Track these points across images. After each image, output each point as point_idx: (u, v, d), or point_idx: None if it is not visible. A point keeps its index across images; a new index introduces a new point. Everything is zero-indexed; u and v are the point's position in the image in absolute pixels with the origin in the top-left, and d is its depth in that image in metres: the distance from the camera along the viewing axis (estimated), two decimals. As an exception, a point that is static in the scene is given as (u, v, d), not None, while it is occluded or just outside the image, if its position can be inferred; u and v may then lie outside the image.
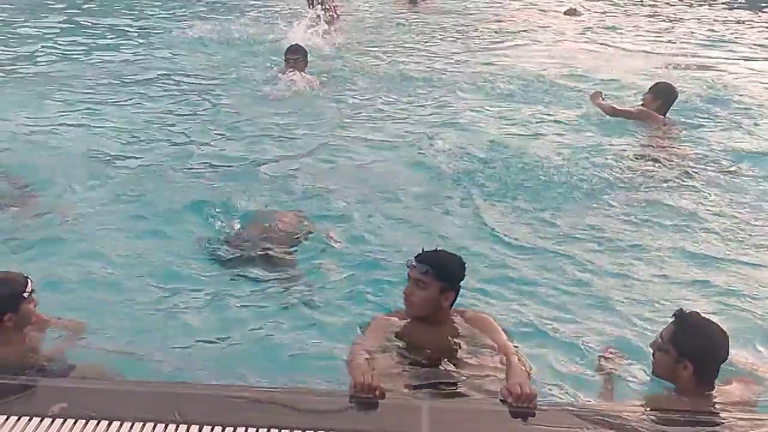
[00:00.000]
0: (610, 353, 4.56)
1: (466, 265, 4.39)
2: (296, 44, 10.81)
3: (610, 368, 4.44)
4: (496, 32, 14.42)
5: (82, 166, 7.54)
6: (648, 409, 3.90)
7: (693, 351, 3.87)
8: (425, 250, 4.38)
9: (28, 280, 4.36)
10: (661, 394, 4.03)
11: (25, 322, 4.37)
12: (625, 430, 3.58)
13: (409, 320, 4.38)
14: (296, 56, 10.39)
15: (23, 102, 9.55)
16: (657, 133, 8.63)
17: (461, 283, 4.36)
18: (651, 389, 4.16)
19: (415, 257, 4.32)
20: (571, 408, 3.82)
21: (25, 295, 4.30)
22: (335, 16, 14.06)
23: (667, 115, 8.86)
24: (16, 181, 6.90)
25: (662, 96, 8.83)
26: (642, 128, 8.71)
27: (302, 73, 10.28)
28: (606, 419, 3.70)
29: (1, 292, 4.25)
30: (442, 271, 4.26)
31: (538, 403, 3.68)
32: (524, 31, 14.63)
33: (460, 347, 4.27)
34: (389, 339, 4.31)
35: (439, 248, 4.47)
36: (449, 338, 4.31)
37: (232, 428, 3.42)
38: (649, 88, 9.06)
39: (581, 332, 5.03)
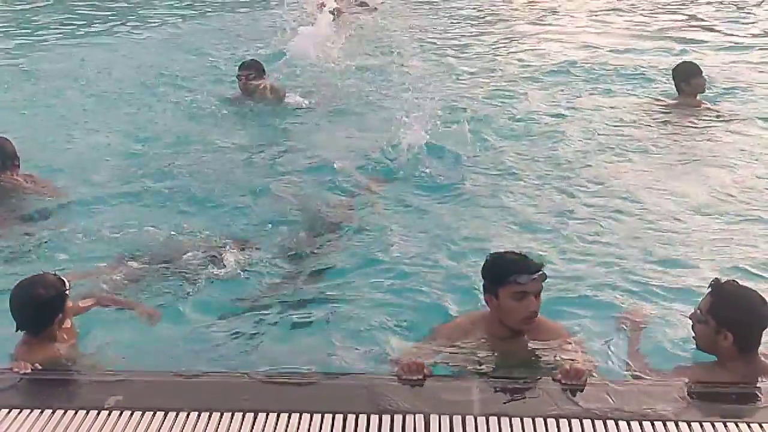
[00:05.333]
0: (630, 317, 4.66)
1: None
2: (250, 59, 9.72)
3: (639, 325, 4.54)
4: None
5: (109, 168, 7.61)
6: (689, 381, 3.91)
7: (731, 320, 3.90)
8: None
9: (64, 279, 4.38)
10: (703, 364, 4.07)
11: (64, 321, 4.38)
12: (670, 402, 3.62)
13: (484, 328, 4.28)
14: (248, 72, 9.26)
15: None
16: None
17: None
18: (691, 360, 4.23)
19: (534, 269, 4.14)
20: (614, 384, 3.83)
21: (68, 293, 4.33)
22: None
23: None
24: (45, 185, 6.89)
25: (675, 78, 9.14)
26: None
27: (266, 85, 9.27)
28: (647, 393, 3.74)
29: (50, 294, 4.22)
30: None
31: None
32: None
33: (533, 357, 4.22)
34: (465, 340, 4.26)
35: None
36: (525, 348, 4.24)
37: (286, 414, 3.47)
38: None
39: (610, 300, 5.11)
